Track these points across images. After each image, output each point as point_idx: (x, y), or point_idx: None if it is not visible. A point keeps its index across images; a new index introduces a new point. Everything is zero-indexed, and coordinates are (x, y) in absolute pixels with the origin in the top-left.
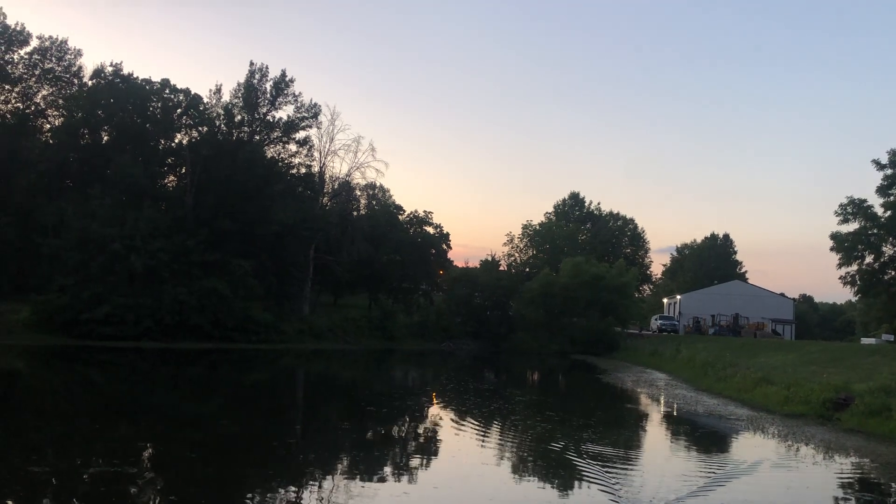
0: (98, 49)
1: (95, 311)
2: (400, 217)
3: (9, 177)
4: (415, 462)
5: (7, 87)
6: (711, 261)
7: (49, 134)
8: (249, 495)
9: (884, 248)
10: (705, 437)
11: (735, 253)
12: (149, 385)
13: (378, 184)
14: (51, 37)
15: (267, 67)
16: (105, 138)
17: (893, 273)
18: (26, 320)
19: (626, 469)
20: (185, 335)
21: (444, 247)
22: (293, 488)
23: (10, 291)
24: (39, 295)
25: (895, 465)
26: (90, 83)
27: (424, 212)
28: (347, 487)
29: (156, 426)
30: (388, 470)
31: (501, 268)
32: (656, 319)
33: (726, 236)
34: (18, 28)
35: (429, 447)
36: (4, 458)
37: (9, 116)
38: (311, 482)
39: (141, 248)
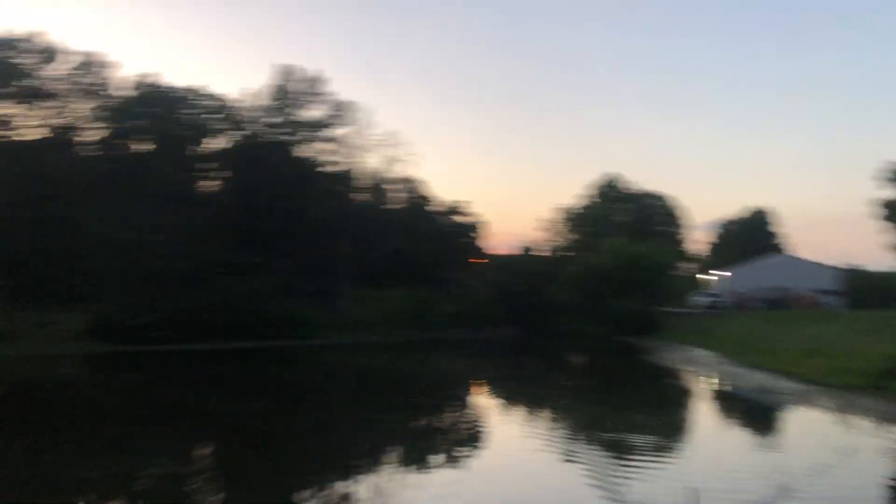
0: (128, 55)
1: (143, 316)
2: (435, 208)
3: (55, 190)
4: (464, 451)
5: (49, 102)
6: (755, 234)
7: (91, 146)
8: (305, 489)
9: None
10: (757, 415)
11: (780, 226)
12: (201, 386)
13: (413, 177)
14: (88, 52)
15: (301, 68)
16: (145, 148)
17: None
18: (78, 329)
19: (675, 456)
20: (233, 335)
21: (481, 235)
22: (347, 481)
23: (61, 302)
24: (90, 304)
25: None
26: (128, 94)
27: (459, 201)
28: (400, 477)
29: (211, 426)
30: (438, 459)
31: (539, 253)
32: (701, 296)
33: (770, 209)
34: (57, 44)
35: (477, 435)
36: (64, 462)
37: (50, 132)
38: (365, 473)
39: (184, 252)
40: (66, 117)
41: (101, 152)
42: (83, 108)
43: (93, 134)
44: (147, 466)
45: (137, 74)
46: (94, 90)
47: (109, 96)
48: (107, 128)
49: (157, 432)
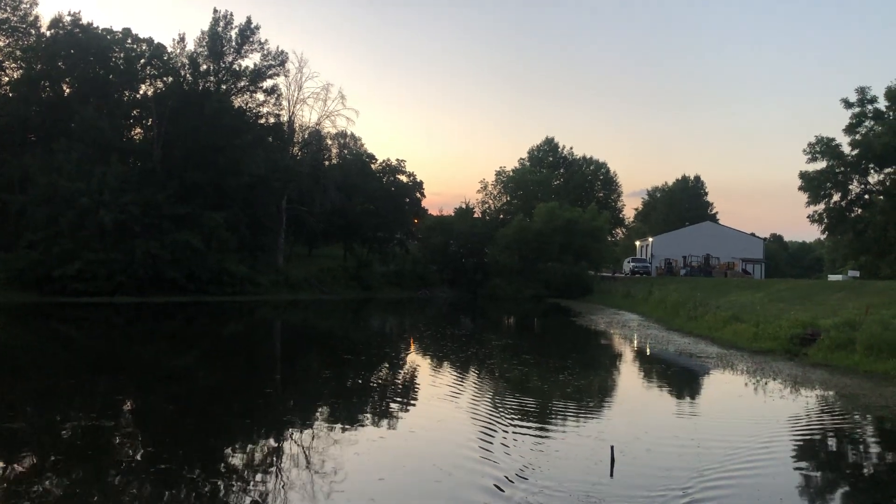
0: None
1: (67, 267)
2: (372, 166)
3: None
4: (392, 408)
5: None
6: (683, 203)
7: (8, 87)
8: (230, 445)
9: (850, 187)
10: (677, 375)
11: (706, 194)
12: (125, 339)
13: (349, 132)
14: None
15: (231, 14)
16: (67, 91)
17: (859, 211)
18: None
19: (602, 410)
20: (160, 289)
21: (418, 195)
22: (274, 437)
23: None
24: (8, 252)
25: (858, 396)
26: (48, 34)
27: (397, 160)
28: (328, 434)
29: (134, 380)
30: (366, 416)
31: (476, 215)
32: (629, 262)
33: (697, 178)
34: None
35: (406, 393)
36: None
37: None
38: (292, 430)
39: (110, 203)
40: None
41: (18, 93)
42: (1, 45)
43: (12, 74)
44: (71, 419)
45: (59, 13)
46: (14, 27)
47: (28, 34)
48: (27, 68)
49: (82, 385)
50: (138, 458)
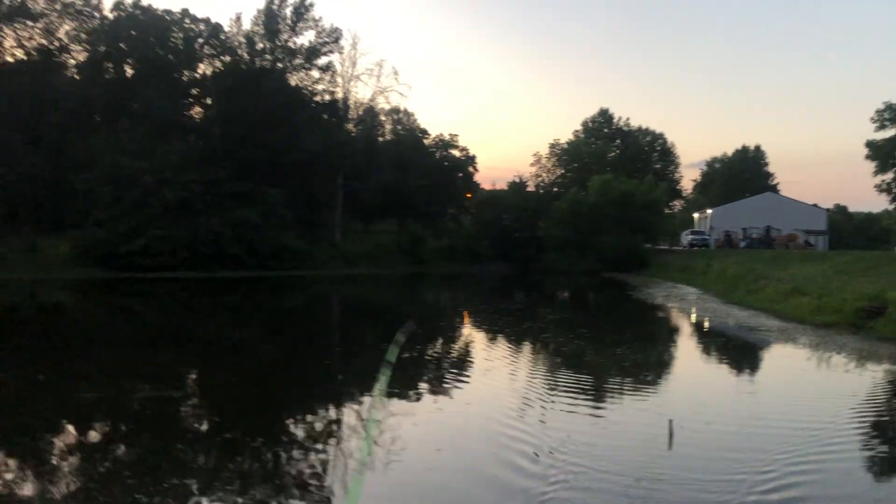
0: None
1: (133, 243)
2: (425, 141)
3: (39, 115)
4: (448, 380)
5: (30, 23)
6: (743, 173)
7: (74, 70)
8: (291, 415)
9: None
10: (736, 349)
11: (767, 164)
12: (189, 313)
13: (402, 108)
14: None
15: None
16: (129, 72)
17: None
18: (66, 255)
19: (659, 384)
20: (222, 265)
21: (471, 169)
22: (333, 407)
23: (48, 228)
24: (77, 230)
25: None
26: (111, 16)
27: (450, 135)
28: (385, 405)
29: (198, 352)
30: (423, 388)
31: (529, 188)
32: (687, 234)
33: (758, 148)
34: None
35: (461, 366)
36: (56, 386)
37: (34, 53)
38: (350, 401)
39: (172, 181)
40: (50, 39)
41: (84, 75)
42: (68, 29)
43: (78, 56)
44: (140, 390)
45: None
46: (79, 11)
47: (94, 18)
48: (92, 50)
49: (149, 357)
50: (204, 427)
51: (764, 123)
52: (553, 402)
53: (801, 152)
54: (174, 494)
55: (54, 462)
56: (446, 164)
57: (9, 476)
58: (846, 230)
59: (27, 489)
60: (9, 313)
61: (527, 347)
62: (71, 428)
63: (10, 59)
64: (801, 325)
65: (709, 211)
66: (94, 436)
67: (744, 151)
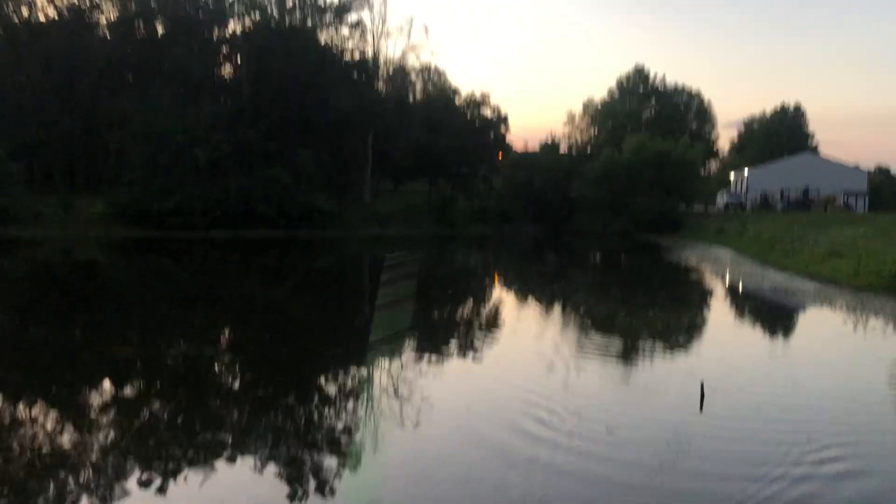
0: None
1: (165, 203)
2: (456, 101)
3: (71, 74)
4: (479, 340)
5: None
6: (781, 134)
7: (106, 29)
8: (323, 373)
9: None
10: (771, 312)
11: (807, 124)
12: (221, 272)
13: (433, 66)
14: None
15: None
16: (160, 30)
17: None
18: (100, 214)
19: (692, 346)
20: (253, 225)
21: (503, 130)
22: (364, 366)
23: (83, 187)
24: (111, 189)
25: None
26: None
27: (481, 94)
28: (416, 364)
29: (231, 311)
30: (453, 347)
31: (562, 149)
32: (723, 196)
33: (797, 107)
34: None
35: (492, 326)
36: (92, 343)
37: (65, 13)
38: (381, 360)
39: (203, 140)
40: None
41: (117, 35)
42: None
43: (109, 15)
44: (174, 347)
45: None
46: None
47: None
48: (122, 8)
49: (183, 315)
50: (236, 385)
51: (805, 81)
52: (583, 362)
53: (843, 111)
54: (208, 448)
55: (92, 415)
56: (478, 123)
57: (48, 428)
58: (888, 192)
59: (66, 440)
60: (46, 271)
61: (557, 309)
62: (107, 383)
63: (42, 19)
64: (839, 287)
65: (745, 172)
66: (129, 391)
67: (783, 111)
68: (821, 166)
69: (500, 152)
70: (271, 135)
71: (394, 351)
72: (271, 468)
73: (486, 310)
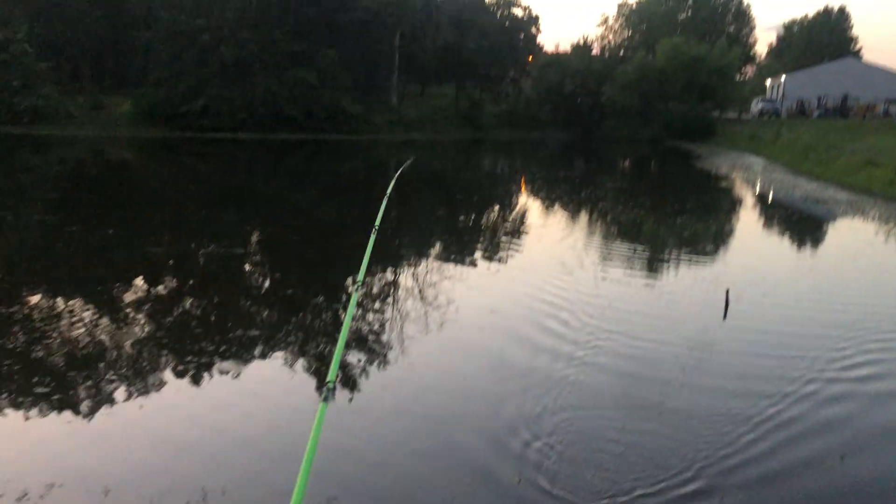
0: None
1: (192, 103)
2: (487, 0)
3: None
4: (504, 246)
5: None
6: (823, 38)
7: None
8: (350, 275)
9: None
10: (801, 221)
11: (851, 28)
12: (249, 174)
13: None
14: None
15: None
16: None
17: None
18: (128, 114)
19: (718, 254)
20: (279, 127)
21: (534, 31)
22: (390, 270)
23: (110, 86)
24: (138, 88)
25: None
26: None
27: None
28: (440, 269)
29: (260, 212)
30: (478, 253)
31: (594, 52)
32: (757, 103)
33: (842, 9)
34: None
35: (517, 233)
36: (125, 240)
37: None
38: (406, 264)
39: (230, 39)
40: None
41: None
42: None
43: None
44: (204, 246)
45: None
46: None
47: None
48: None
49: (212, 216)
50: (266, 284)
51: None
52: (607, 270)
53: (892, 14)
54: (238, 345)
55: (126, 312)
56: (507, 24)
57: (85, 323)
58: None
59: (101, 337)
60: (79, 169)
61: (584, 216)
62: (140, 280)
63: None
64: (873, 197)
65: (782, 77)
66: (161, 289)
67: (826, 13)
68: (863, 72)
69: (531, 55)
70: (297, 35)
71: (421, 256)
72: (301, 362)
73: (510, 216)
